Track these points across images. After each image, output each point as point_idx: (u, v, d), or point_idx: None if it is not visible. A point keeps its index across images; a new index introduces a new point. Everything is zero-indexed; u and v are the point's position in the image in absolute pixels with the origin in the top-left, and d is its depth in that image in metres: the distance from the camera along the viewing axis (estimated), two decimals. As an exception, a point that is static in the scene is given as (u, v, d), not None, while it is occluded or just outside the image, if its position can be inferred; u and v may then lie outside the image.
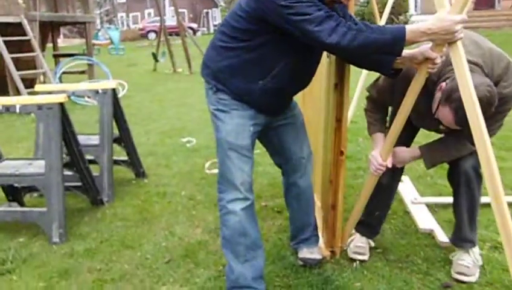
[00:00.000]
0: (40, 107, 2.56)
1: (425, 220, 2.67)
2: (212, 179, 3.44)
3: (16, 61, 6.06)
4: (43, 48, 7.06)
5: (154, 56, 9.82)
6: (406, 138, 2.20)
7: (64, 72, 7.05)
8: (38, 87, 3.24)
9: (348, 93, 2.07)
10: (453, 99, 1.72)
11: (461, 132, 1.89)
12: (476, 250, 2.24)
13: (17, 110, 2.60)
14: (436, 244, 2.46)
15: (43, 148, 2.66)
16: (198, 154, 4.05)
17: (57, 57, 7.71)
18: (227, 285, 1.99)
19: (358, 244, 2.34)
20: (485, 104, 1.68)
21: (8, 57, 5.76)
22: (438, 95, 1.83)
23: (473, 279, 2.12)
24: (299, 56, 1.74)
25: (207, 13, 38.77)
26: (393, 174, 2.23)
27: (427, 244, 2.46)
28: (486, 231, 2.53)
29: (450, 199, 2.76)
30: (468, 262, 2.16)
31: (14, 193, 2.94)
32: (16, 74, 5.68)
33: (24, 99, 2.64)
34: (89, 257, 2.40)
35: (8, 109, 2.60)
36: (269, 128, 2.00)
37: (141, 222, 2.80)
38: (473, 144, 1.68)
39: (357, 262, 2.27)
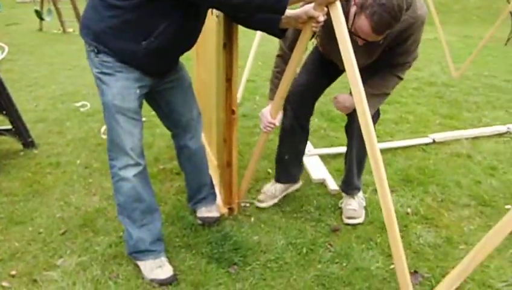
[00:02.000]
0: None
1: (317, 170, 2.86)
2: (109, 145, 3.33)
3: None
4: None
5: (38, 14, 8.89)
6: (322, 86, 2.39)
7: None
8: None
9: (237, 52, 2.07)
10: (367, 6, 1.77)
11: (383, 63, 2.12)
12: (360, 194, 2.47)
13: None
14: (327, 192, 2.67)
15: None
16: (93, 118, 3.84)
17: None
18: (127, 251, 1.99)
19: (264, 191, 2.54)
20: (395, 12, 1.74)
21: None
22: (353, 10, 1.85)
23: (360, 220, 2.37)
24: (182, 16, 1.70)
25: None
26: (297, 115, 2.36)
27: (319, 193, 2.65)
28: (370, 176, 2.79)
29: (340, 149, 2.98)
30: (355, 206, 2.39)
31: None
32: None
33: None
34: (-26, 239, 2.23)
35: None
36: (156, 91, 1.97)
37: (32, 195, 2.63)
38: (400, 66, 2.09)
39: (253, 218, 2.39)
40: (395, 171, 2.97)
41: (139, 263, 1.96)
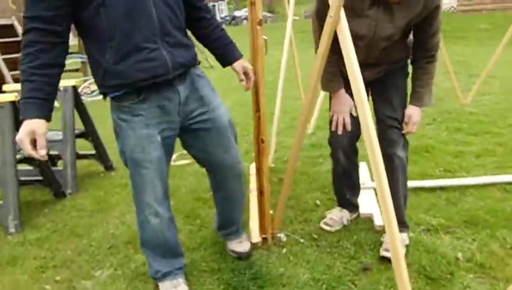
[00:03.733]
0: (-8, 106, 2.71)
1: (367, 204, 2.70)
2: (175, 171, 3.55)
3: (13, 63, 6.32)
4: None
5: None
6: None
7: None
8: (6, 87, 3.39)
9: (264, 84, 2.11)
10: None
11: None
12: (405, 233, 2.28)
13: (-27, 109, 2.75)
14: (371, 228, 2.49)
15: (-1, 145, 2.80)
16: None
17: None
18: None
19: (332, 217, 2.51)
20: None
21: (-1, 58, 6.03)
22: None
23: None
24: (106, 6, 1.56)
25: (213, 6, 38.55)
26: (348, 157, 2.38)
27: (362, 228, 2.49)
28: (424, 215, 2.55)
29: None
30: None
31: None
32: (8, 75, 5.92)
33: (-21, 99, 2.78)
34: (38, 246, 2.54)
35: (-35, 109, 2.75)
36: (185, 129, 1.87)
37: (97, 211, 2.93)
38: (434, 48, 2.08)
39: (285, 249, 2.34)
40: (459, 211, 2.65)
41: (158, 283, 2.04)
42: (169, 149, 1.86)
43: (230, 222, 2.27)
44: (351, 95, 2.06)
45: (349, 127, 2.18)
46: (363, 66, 1.71)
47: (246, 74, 2.01)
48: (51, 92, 1.58)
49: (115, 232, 2.64)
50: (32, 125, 1.53)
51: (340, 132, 2.19)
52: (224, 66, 2.03)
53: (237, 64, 1.99)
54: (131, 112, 1.71)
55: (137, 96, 1.69)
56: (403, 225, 2.26)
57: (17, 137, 1.53)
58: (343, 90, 2.17)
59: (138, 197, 1.84)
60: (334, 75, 2.14)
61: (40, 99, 1.55)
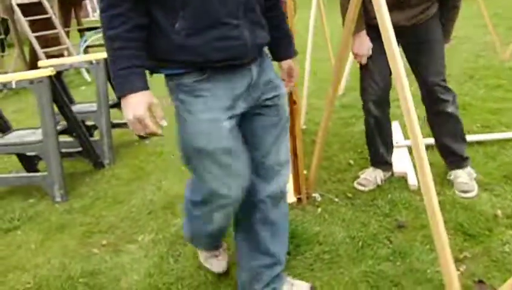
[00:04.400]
0: (31, 81, 2.79)
1: (401, 163, 2.68)
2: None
3: (44, 40, 6.45)
4: (67, 24, 7.37)
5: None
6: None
7: (88, 46, 7.35)
8: (41, 63, 3.48)
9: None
10: None
11: None
12: (468, 167, 2.45)
13: (13, 86, 2.85)
14: (406, 187, 2.48)
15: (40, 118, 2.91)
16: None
17: (81, 31, 8.00)
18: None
19: (365, 177, 2.53)
20: None
21: (32, 36, 6.13)
22: None
23: (473, 194, 2.32)
24: None
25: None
26: (379, 107, 2.40)
27: (396, 187, 2.49)
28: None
29: (431, 140, 2.76)
30: (465, 178, 2.37)
31: (28, 161, 3.25)
32: (40, 52, 6.06)
33: (18, 75, 2.87)
34: (83, 213, 2.66)
35: (5, 85, 2.85)
36: (247, 116, 1.54)
37: (134, 179, 3.03)
38: None
39: (320, 208, 2.37)
40: (499, 165, 2.60)
41: (197, 249, 2.01)
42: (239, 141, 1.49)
43: (274, 260, 1.70)
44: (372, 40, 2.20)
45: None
46: (395, 5, 1.73)
47: (289, 75, 1.74)
48: (145, 58, 1.35)
49: (152, 198, 2.73)
50: (147, 98, 1.29)
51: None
52: (273, 58, 1.69)
53: (285, 63, 1.71)
54: (193, 92, 1.39)
55: (201, 74, 1.38)
56: (466, 160, 2.43)
57: (135, 115, 1.27)
58: (364, 32, 2.21)
59: (204, 197, 1.55)
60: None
61: (141, 67, 1.32)
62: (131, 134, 3.78)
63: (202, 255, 2.00)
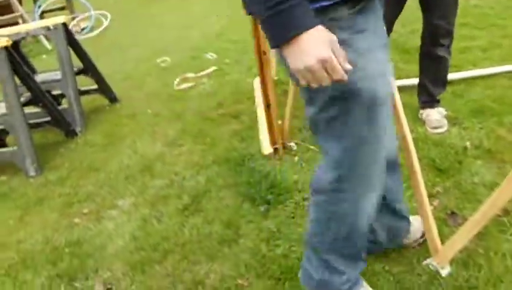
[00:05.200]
0: (-15, 53, 2.65)
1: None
2: (179, 95, 3.57)
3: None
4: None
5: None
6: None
7: (44, 11, 6.98)
8: (-2, 31, 3.29)
9: None
10: None
11: None
12: (440, 106, 2.53)
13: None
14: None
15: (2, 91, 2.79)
16: (171, 72, 4.10)
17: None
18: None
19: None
20: None
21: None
22: None
23: (443, 130, 2.41)
24: None
25: None
26: None
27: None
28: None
29: (411, 81, 2.81)
30: (436, 116, 2.46)
31: None
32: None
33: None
34: (60, 184, 2.62)
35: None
36: None
37: (108, 145, 2.98)
38: None
39: (297, 157, 2.40)
40: (466, 102, 2.66)
41: None
42: None
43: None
44: None
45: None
46: None
47: None
48: None
49: (129, 162, 2.70)
50: (326, 34, 0.94)
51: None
52: None
53: None
54: (353, 27, 1.05)
55: (354, 3, 1.04)
56: (438, 101, 2.54)
57: (319, 58, 0.92)
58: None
59: (361, 177, 1.22)
60: None
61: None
62: (100, 99, 3.68)
63: None
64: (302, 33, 0.92)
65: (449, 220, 1.79)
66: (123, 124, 3.25)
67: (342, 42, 0.98)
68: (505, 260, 1.56)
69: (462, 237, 1.55)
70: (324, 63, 0.93)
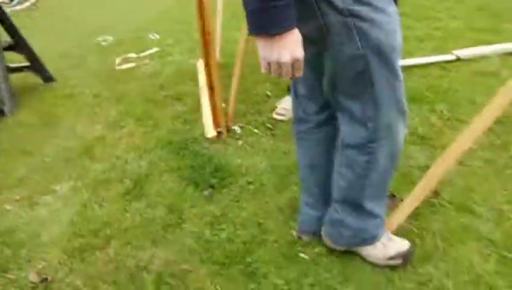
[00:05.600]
0: None
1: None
2: (120, 75, 3.43)
3: None
4: None
5: None
6: None
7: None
8: None
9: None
10: None
11: None
12: None
13: None
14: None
15: None
16: (112, 51, 3.94)
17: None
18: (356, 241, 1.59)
19: (284, 106, 2.55)
20: None
21: None
22: None
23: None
24: None
25: None
26: None
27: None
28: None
29: None
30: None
31: None
32: None
33: None
34: (-13, 168, 2.46)
35: None
36: None
37: (44, 126, 2.82)
38: None
39: (241, 141, 2.40)
40: (406, 89, 2.78)
41: (385, 242, 1.57)
42: None
43: None
44: None
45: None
46: None
47: None
48: None
49: (67, 145, 2.58)
50: (300, 37, 1.03)
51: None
52: None
53: None
54: None
55: None
56: None
57: (294, 57, 1.02)
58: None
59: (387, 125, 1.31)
60: None
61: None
62: (33, 78, 3.46)
63: (385, 237, 1.58)
64: (286, 32, 1.00)
65: (388, 202, 1.87)
66: (59, 105, 3.08)
67: (364, 3, 1.10)
68: (434, 238, 1.66)
69: (398, 217, 1.65)
70: (295, 62, 1.04)
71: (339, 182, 1.49)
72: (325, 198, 1.61)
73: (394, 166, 1.45)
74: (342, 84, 1.27)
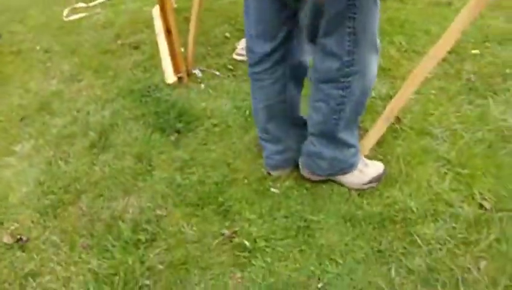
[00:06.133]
0: None
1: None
2: (70, 27, 3.26)
3: None
4: None
5: None
6: None
7: None
8: None
9: None
10: None
11: None
12: None
13: None
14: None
15: None
16: (57, 2, 3.70)
17: None
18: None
19: (243, 47, 2.44)
20: None
21: None
22: None
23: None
24: None
25: None
26: None
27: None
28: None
29: None
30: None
31: None
32: None
33: None
34: None
35: None
36: None
37: (-7, 86, 2.69)
38: None
39: (203, 84, 2.38)
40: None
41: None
42: None
43: None
44: None
45: None
46: None
47: None
48: None
49: (21, 102, 2.47)
50: None
51: None
52: None
53: None
54: None
55: None
56: None
57: None
58: None
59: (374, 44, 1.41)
60: None
61: None
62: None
63: (362, 164, 1.66)
64: None
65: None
66: (7, 62, 2.92)
67: None
68: (399, 162, 1.74)
69: (364, 146, 1.71)
70: None
71: (314, 116, 1.54)
72: (280, 134, 1.68)
73: (367, 98, 1.53)
74: (324, 19, 1.29)
